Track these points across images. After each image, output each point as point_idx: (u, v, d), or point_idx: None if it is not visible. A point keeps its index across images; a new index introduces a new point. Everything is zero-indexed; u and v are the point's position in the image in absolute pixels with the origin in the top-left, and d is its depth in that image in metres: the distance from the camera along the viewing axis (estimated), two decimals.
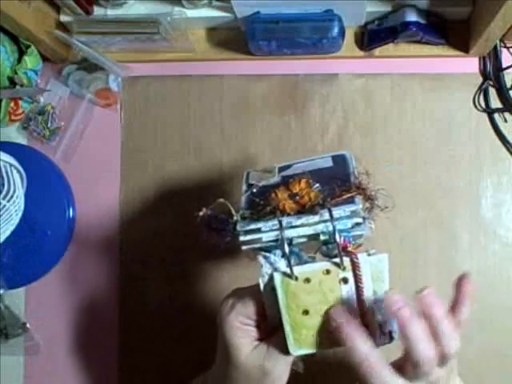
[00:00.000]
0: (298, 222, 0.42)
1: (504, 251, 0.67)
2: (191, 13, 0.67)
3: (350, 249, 0.42)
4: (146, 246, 0.71)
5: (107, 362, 0.71)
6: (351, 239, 0.42)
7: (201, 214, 0.46)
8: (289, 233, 0.43)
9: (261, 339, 0.44)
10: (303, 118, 0.70)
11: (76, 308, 0.72)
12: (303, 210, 0.43)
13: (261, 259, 0.43)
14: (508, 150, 0.68)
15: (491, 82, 0.68)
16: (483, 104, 0.68)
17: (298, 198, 0.43)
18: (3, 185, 0.66)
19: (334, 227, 0.41)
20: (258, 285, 0.43)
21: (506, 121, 0.68)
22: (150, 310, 0.70)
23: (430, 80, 0.69)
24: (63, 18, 0.68)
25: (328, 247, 0.43)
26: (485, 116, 0.68)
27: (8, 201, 0.66)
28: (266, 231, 0.43)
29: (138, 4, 0.67)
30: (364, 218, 0.44)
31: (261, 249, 0.44)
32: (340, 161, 0.49)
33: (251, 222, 0.43)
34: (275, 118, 0.71)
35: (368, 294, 0.42)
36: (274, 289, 0.42)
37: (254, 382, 0.44)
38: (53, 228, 0.72)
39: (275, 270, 0.42)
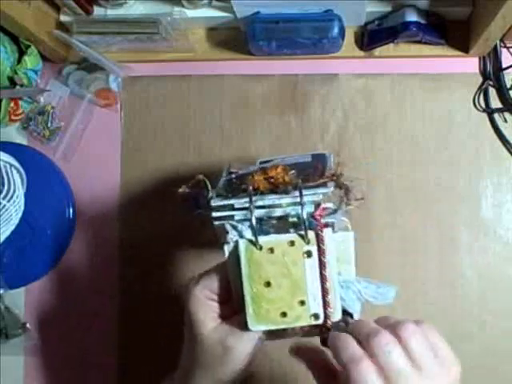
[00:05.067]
0: (270, 201, 0.44)
1: (504, 251, 0.67)
2: (191, 13, 0.67)
3: (321, 220, 0.42)
4: (146, 245, 0.71)
5: (107, 362, 0.71)
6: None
7: (180, 190, 0.48)
8: (259, 211, 0.44)
9: (225, 318, 0.44)
10: (303, 117, 0.70)
11: (76, 308, 0.72)
12: (276, 190, 0.44)
13: (228, 227, 0.44)
14: (508, 150, 0.68)
15: (491, 82, 0.68)
16: (483, 104, 0.68)
17: (273, 180, 0.45)
18: (3, 185, 0.66)
19: (302, 203, 0.42)
20: (224, 261, 0.44)
21: (505, 121, 0.68)
22: (151, 311, 0.70)
23: (429, 80, 0.69)
24: (63, 17, 0.68)
25: (297, 230, 0.43)
26: (485, 116, 0.68)
27: (8, 201, 0.66)
28: (239, 208, 0.44)
29: (138, 4, 0.67)
30: (338, 207, 0.45)
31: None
32: (319, 158, 0.50)
33: (225, 199, 0.45)
34: (275, 118, 0.71)
35: (332, 271, 0.42)
36: (238, 258, 0.42)
37: (216, 360, 0.44)
38: (53, 228, 0.72)
39: (241, 237, 0.43)
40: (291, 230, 0.43)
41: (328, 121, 0.70)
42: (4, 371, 0.72)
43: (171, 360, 0.70)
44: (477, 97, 0.68)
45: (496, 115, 0.68)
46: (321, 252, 0.42)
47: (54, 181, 0.73)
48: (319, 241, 0.42)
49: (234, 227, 0.44)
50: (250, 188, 0.44)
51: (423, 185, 0.68)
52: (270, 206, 0.44)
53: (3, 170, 0.66)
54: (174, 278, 0.70)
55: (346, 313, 0.43)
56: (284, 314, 0.42)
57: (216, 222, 0.45)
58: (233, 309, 0.44)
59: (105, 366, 0.71)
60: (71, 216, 0.72)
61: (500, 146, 0.68)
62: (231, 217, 0.45)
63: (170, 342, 0.69)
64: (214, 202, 0.45)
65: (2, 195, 0.65)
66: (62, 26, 0.69)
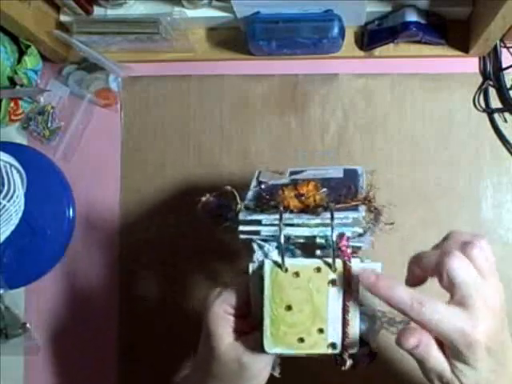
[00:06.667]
0: (299, 221, 0.42)
1: (504, 251, 0.67)
2: (191, 13, 0.67)
3: (347, 250, 0.41)
4: (146, 246, 0.71)
5: (107, 362, 0.71)
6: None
7: (203, 199, 0.47)
8: (287, 230, 0.42)
9: (243, 333, 0.44)
10: (303, 117, 0.70)
11: (76, 308, 0.72)
12: (307, 210, 0.43)
13: (255, 246, 0.43)
14: (508, 150, 0.68)
15: (491, 82, 0.68)
16: (483, 104, 0.68)
17: (303, 198, 0.43)
18: (3, 185, 0.66)
19: (332, 228, 0.41)
20: (246, 276, 0.43)
21: (505, 121, 0.68)
22: (150, 311, 0.70)
23: (429, 80, 0.69)
24: (63, 17, 0.68)
25: (323, 251, 0.43)
26: (485, 116, 0.68)
27: (8, 201, 0.66)
28: (266, 224, 0.43)
29: (138, 4, 0.67)
30: (365, 230, 0.44)
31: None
32: (351, 174, 0.49)
33: (254, 213, 0.44)
34: (275, 118, 0.71)
35: (355, 303, 0.41)
36: (262, 278, 0.42)
37: (233, 375, 0.43)
38: (53, 228, 0.72)
39: (267, 257, 0.42)
40: (318, 252, 0.43)
41: (328, 121, 0.70)
42: (4, 371, 0.72)
43: (171, 360, 0.70)
44: (477, 97, 0.68)
45: (496, 115, 0.68)
46: (346, 283, 0.41)
47: (54, 181, 0.73)
48: (346, 271, 0.41)
49: (261, 247, 0.43)
50: (282, 208, 0.42)
51: (423, 185, 0.68)
52: (298, 225, 0.43)
53: (3, 170, 0.66)
54: (174, 277, 0.70)
55: (363, 342, 0.42)
56: (301, 340, 0.41)
57: (242, 236, 0.44)
58: (251, 324, 0.44)
59: (105, 366, 0.71)
60: (71, 216, 0.72)
61: (500, 146, 0.68)
62: (257, 232, 0.44)
63: (171, 342, 0.70)
64: (243, 216, 0.44)
65: (2, 195, 0.65)
66: (62, 25, 0.69)
